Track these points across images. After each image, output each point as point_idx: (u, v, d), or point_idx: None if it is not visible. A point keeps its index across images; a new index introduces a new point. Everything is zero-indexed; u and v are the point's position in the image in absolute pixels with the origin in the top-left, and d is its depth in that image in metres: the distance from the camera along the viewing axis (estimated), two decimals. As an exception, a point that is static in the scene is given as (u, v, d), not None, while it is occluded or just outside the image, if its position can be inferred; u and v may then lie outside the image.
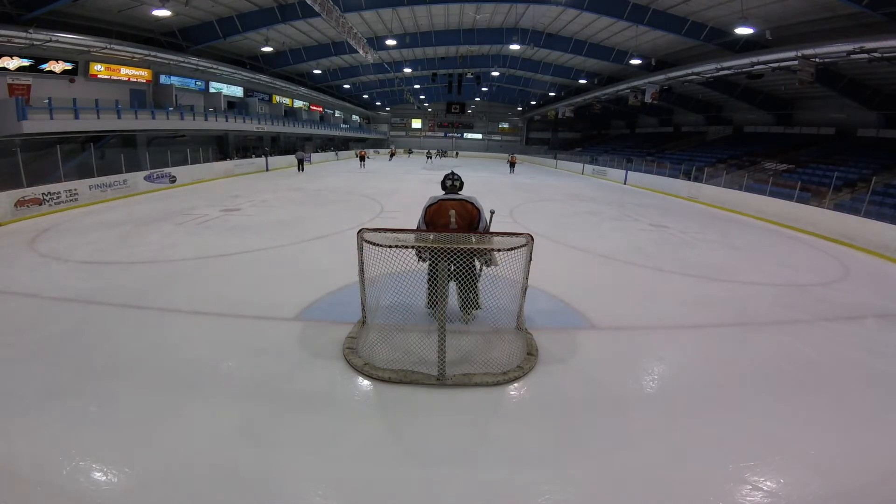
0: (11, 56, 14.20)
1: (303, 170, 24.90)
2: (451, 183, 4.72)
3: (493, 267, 4.32)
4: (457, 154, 51.79)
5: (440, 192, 4.73)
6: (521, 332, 4.30)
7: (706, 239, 10.28)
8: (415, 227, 4.52)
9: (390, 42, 24.23)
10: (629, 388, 3.79)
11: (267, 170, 24.64)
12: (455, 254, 3.64)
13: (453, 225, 4.40)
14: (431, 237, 4.18)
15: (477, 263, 4.38)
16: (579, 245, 8.99)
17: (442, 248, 3.59)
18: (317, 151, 33.53)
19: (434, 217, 4.47)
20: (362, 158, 31.43)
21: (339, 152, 38.01)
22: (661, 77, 21.26)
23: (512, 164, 30.98)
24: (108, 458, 2.74)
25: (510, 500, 2.57)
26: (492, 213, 5.06)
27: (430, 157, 39.69)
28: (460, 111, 41.35)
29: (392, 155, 41.26)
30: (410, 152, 48.17)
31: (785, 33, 14.65)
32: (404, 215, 11.05)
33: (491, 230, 4.95)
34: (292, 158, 27.22)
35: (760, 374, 4.10)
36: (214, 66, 22.16)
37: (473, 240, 3.98)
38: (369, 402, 3.52)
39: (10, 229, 9.02)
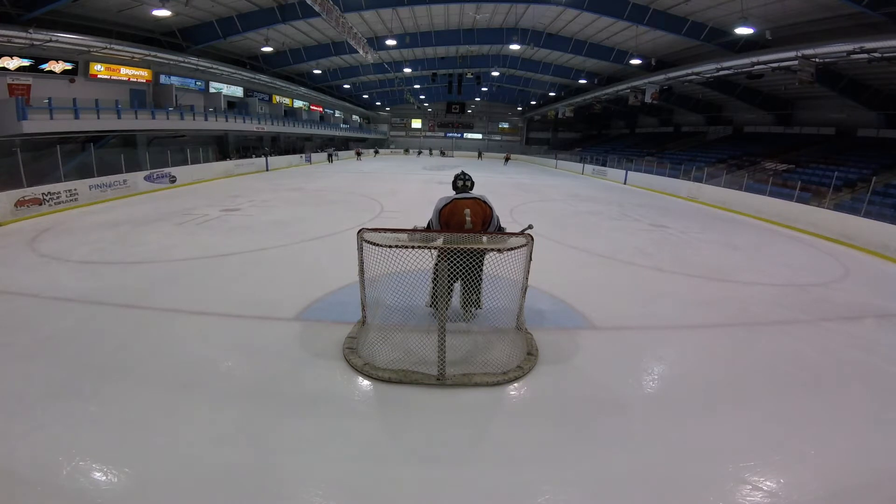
0: (11, 56, 14.19)
1: (332, 162, 33.16)
2: (463, 183, 4.73)
3: (504, 254, 4.21)
4: (420, 152, 51.58)
5: (451, 193, 4.71)
6: (521, 332, 4.30)
7: (706, 239, 10.28)
8: (426, 227, 4.51)
9: (390, 42, 24.21)
10: (629, 388, 3.79)
11: (267, 170, 24.66)
12: (464, 254, 3.64)
13: (468, 224, 4.39)
14: (441, 239, 4.13)
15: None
16: (579, 245, 8.99)
17: (451, 249, 3.59)
18: (316, 152, 33.93)
19: (449, 217, 4.46)
20: (358, 154, 39.89)
21: (339, 152, 38.39)
22: (661, 77, 21.25)
23: (507, 160, 40.14)
24: (108, 458, 2.74)
25: (510, 500, 2.57)
26: (530, 227, 4.68)
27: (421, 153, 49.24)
28: (460, 111, 41.40)
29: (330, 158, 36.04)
30: (420, 152, 50.40)
31: (785, 33, 14.65)
32: (404, 215, 11.05)
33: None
34: (292, 158, 29.82)
35: (760, 374, 4.10)
36: (214, 66, 22.15)
37: (485, 239, 3.97)
38: (369, 402, 3.52)
39: (10, 229, 9.02)
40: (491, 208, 4.56)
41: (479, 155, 49.58)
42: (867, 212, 10.77)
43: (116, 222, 9.77)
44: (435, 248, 3.68)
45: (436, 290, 4.52)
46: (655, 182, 21.57)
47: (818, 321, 5.49)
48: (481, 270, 4.26)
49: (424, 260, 3.86)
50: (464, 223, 4.38)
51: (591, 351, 4.40)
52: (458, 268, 3.72)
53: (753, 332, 5.10)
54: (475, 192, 4.73)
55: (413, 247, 3.76)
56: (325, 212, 12.09)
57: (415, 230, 4.54)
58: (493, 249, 4.13)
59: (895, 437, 3.29)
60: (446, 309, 3.61)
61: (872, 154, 16.29)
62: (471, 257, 3.76)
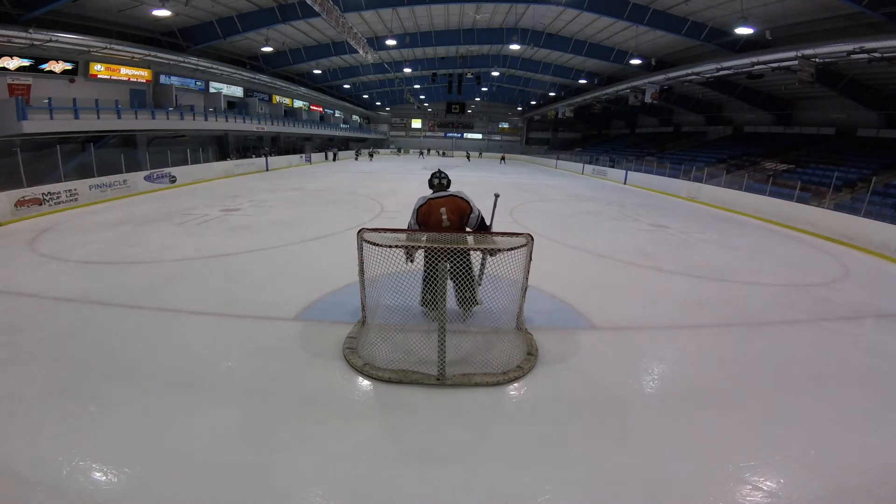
0: (11, 56, 14.19)
1: (334, 160, 34.58)
2: (439, 181, 4.77)
3: (497, 256, 4.27)
4: (421, 153, 49.43)
5: (429, 192, 4.73)
6: (521, 332, 4.30)
7: (706, 239, 10.28)
8: (406, 228, 4.52)
9: (390, 42, 24.22)
10: (629, 388, 3.79)
11: (267, 170, 24.67)
12: (452, 253, 3.64)
13: (446, 223, 4.41)
14: (424, 237, 4.16)
15: (477, 260, 4.36)
16: (579, 245, 8.99)
17: (440, 248, 3.59)
18: (315, 152, 33.96)
19: (426, 217, 4.48)
20: (358, 153, 40.74)
21: (338, 152, 38.45)
22: (661, 77, 21.25)
23: (502, 159, 42.60)
24: (108, 458, 2.74)
25: (510, 500, 2.57)
26: (496, 196, 5.16)
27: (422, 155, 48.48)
28: (460, 111, 41.38)
29: (371, 156, 40.93)
30: (422, 153, 49.52)
31: (785, 33, 14.65)
32: (404, 215, 10.96)
33: (494, 218, 4.96)
34: (292, 158, 29.72)
35: (760, 374, 4.10)
36: (214, 66, 22.16)
37: (470, 240, 3.98)
38: (369, 402, 3.52)
39: (10, 229, 9.02)
40: (470, 204, 4.55)
41: (469, 157, 47.13)
42: (867, 212, 10.77)
43: (116, 222, 9.77)
44: (434, 247, 3.68)
45: (427, 291, 4.54)
46: (655, 182, 21.57)
47: (818, 321, 5.49)
48: (471, 268, 4.25)
49: (422, 260, 3.86)
50: (441, 222, 4.40)
51: (591, 351, 4.39)
52: (446, 268, 3.71)
53: (753, 332, 5.10)
54: (453, 189, 4.75)
55: (413, 247, 3.76)
56: (325, 212, 12.09)
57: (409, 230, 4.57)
58: (490, 250, 4.13)
59: (895, 437, 3.29)
60: (443, 309, 3.60)
61: (872, 154, 16.30)
62: (458, 256, 3.76)
